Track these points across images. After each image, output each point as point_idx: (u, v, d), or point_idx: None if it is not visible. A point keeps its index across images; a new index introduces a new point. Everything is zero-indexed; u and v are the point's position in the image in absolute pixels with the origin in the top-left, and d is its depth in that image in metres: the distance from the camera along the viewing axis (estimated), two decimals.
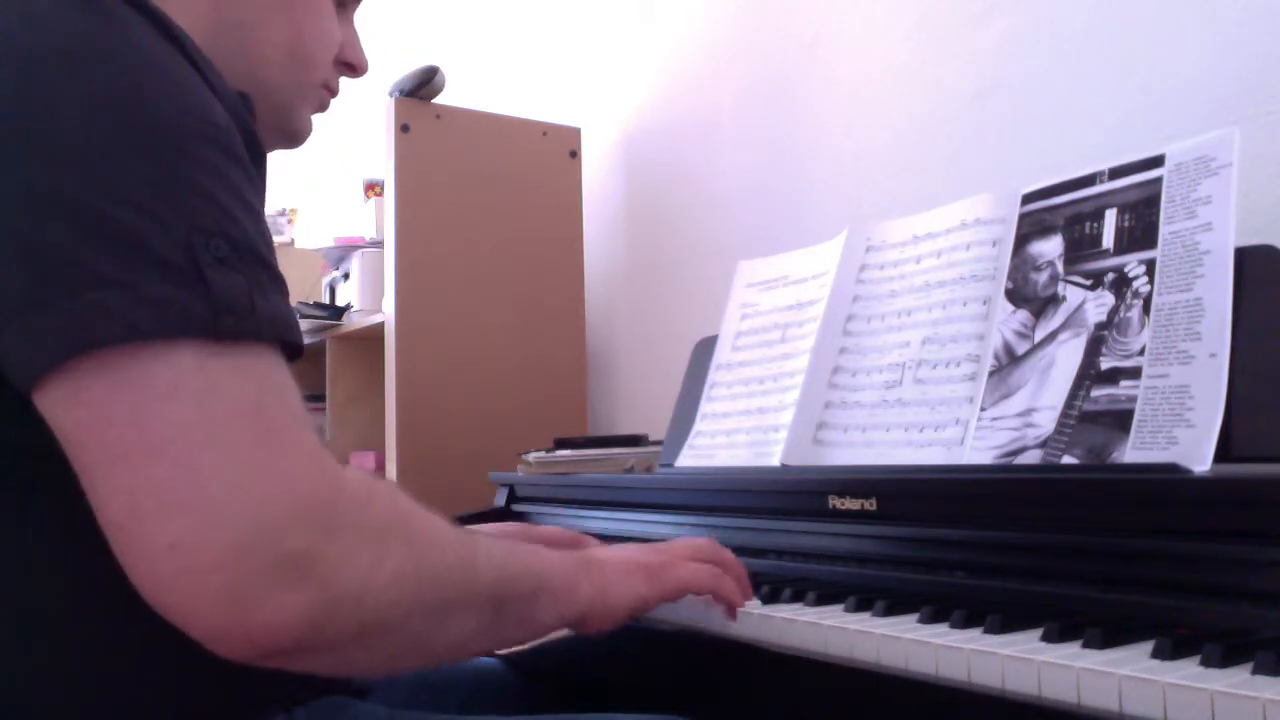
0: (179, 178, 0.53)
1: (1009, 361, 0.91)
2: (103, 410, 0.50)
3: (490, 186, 1.99)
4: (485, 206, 1.98)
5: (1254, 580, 0.59)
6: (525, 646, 1.01)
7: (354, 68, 0.83)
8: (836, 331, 1.10)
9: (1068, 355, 0.86)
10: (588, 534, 1.03)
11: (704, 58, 1.95)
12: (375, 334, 2.00)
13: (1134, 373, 0.80)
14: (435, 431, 1.87)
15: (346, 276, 2.23)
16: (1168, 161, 0.85)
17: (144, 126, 0.53)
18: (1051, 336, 0.88)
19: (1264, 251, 0.79)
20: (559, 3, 2.41)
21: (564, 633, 0.97)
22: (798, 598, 0.79)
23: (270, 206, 0.69)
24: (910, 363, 1.00)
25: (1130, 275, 0.84)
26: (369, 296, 2.08)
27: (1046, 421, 0.85)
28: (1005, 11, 1.41)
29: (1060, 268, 0.91)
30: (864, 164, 1.62)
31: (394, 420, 1.85)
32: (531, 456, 1.45)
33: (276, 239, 0.65)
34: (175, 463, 0.49)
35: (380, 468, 2.00)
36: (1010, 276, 0.95)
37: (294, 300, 1.82)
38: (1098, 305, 0.86)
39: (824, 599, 0.78)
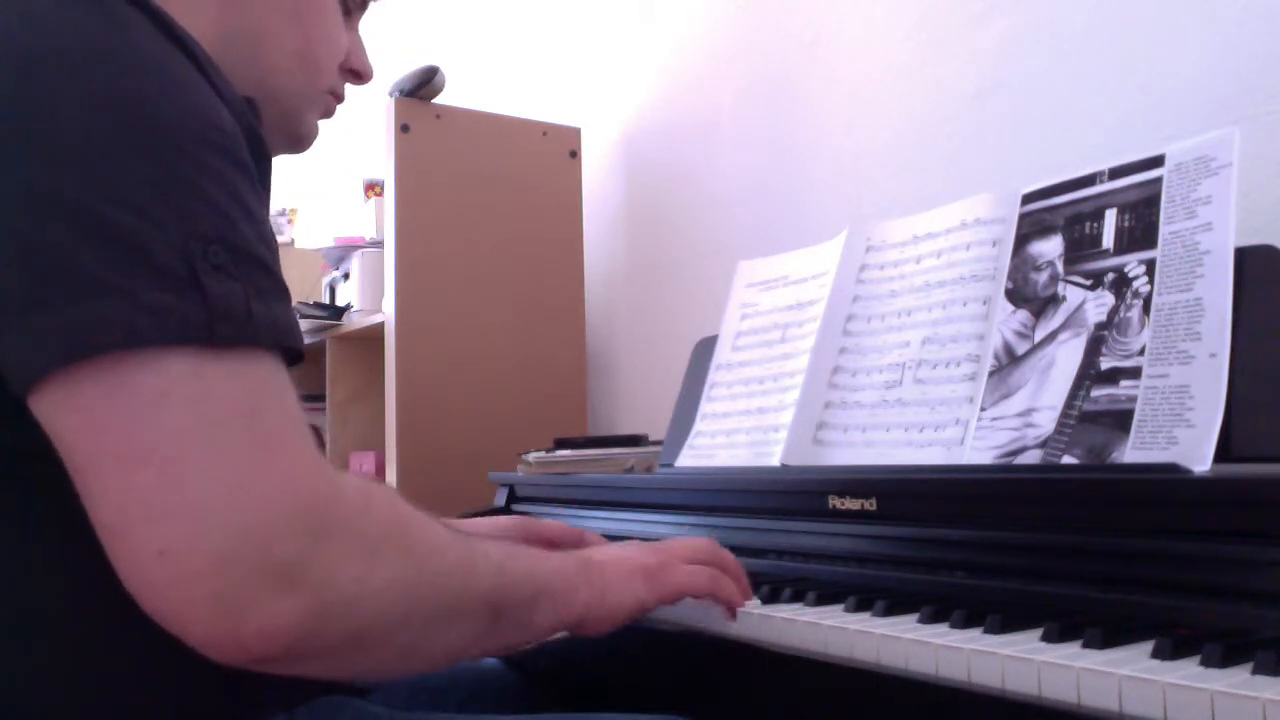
0: (179, 181, 0.53)
1: (1009, 361, 0.91)
2: (96, 415, 0.50)
3: (490, 186, 1.99)
4: (485, 206, 1.98)
5: (1254, 580, 0.59)
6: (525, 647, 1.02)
7: (360, 75, 0.84)
8: (836, 331, 1.10)
9: (1068, 355, 0.86)
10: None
11: (704, 58, 1.95)
12: (375, 334, 2.00)
13: (1134, 373, 0.80)
14: (435, 431, 1.87)
15: (346, 276, 2.23)
16: (1168, 161, 0.85)
17: (144, 128, 0.53)
18: (1051, 336, 0.88)
19: (1264, 251, 0.79)
20: (559, 3, 2.41)
21: (563, 633, 0.98)
22: (798, 598, 0.79)
23: (271, 207, 0.70)
24: (910, 363, 1.00)
25: (1130, 275, 0.84)
26: (369, 296, 2.08)
27: (1046, 421, 0.85)
28: (1005, 11, 1.41)
29: (1060, 268, 0.91)
30: (864, 164, 1.62)
31: (394, 420, 1.85)
32: (531, 456, 1.45)
33: (277, 239, 0.65)
34: (165, 469, 0.49)
35: (380, 468, 2.00)
36: (1010, 276, 0.95)
37: (294, 300, 1.82)
38: (1098, 305, 0.86)
39: (824, 599, 0.78)
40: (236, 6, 0.72)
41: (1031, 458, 0.84)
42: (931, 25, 1.51)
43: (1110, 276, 0.86)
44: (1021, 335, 0.91)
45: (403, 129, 1.89)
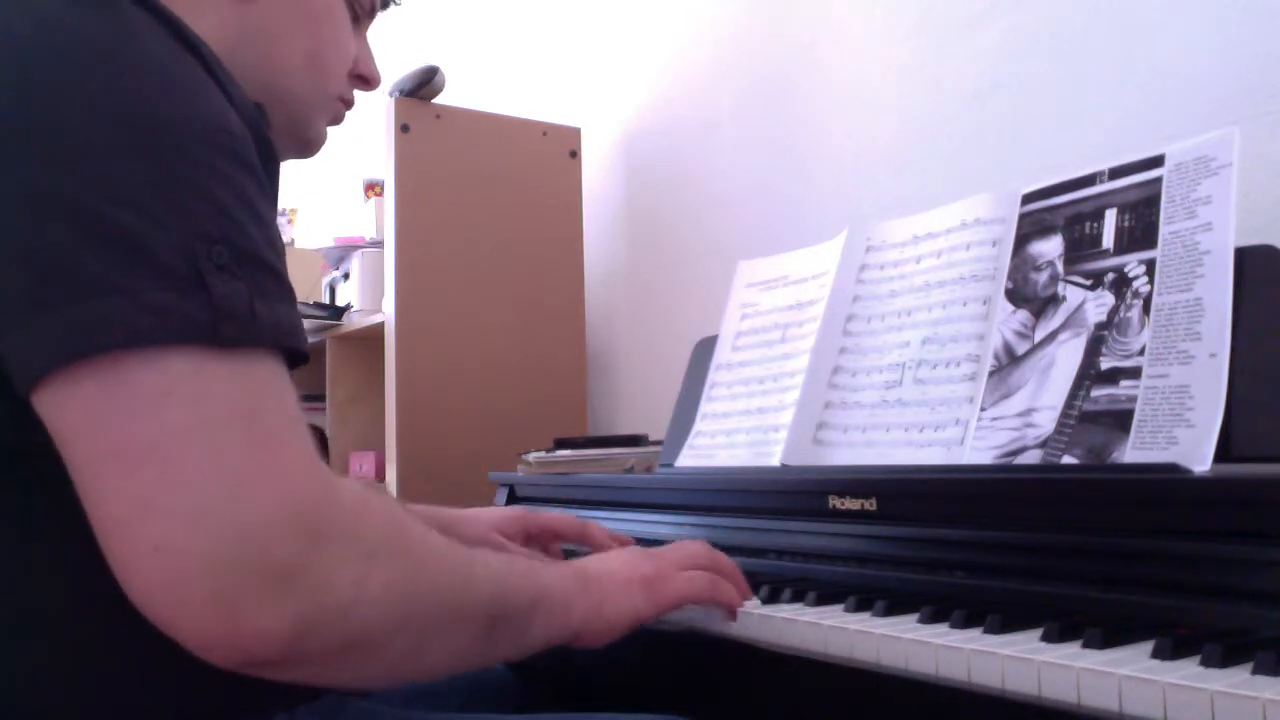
0: (182, 182, 0.53)
1: (1009, 361, 0.91)
2: (96, 413, 0.50)
3: (490, 186, 1.99)
4: (485, 206, 1.98)
5: (1254, 580, 0.59)
6: None
7: (368, 81, 0.85)
8: (836, 331, 1.10)
9: (1068, 355, 0.86)
10: None
11: (704, 58, 1.95)
12: (375, 334, 2.00)
13: (1134, 373, 0.80)
14: (435, 431, 1.87)
15: (346, 276, 2.23)
16: (1168, 161, 0.85)
17: (148, 130, 0.53)
18: (1051, 336, 0.88)
19: (1264, 251, 0.79)
20: (559, 3, 2.41)
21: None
22: (798, 598, 0.79)
23: (278, 210, 0.70)
24: (910, 363, 1.00)
25: (1130, 275, 0.84)
26: (369, 296, 2.08)
27: (1046, 421, 0.85)
28: (1005, 11, 1.41)
29: (1060, 268, 0.91)
30: (864, 164, 1.62)
31: (394, 420, 1.85)
32: (531, 456, 1.45)
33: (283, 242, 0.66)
34: (164, 467, 0.49)
35: (380, 468, 2.00)
36: (1010, 276, 0.95)
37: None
38: (1098, 305, 0.86)
39: (824, 599, 0.78)
40: (245, 10, 0.72)
41: (1031, 458, 0.84)
42: (931, 25, 1.51)
43: (1110, 276, 0.86)
44: (1021, 335, 0.91)
45: (403, 129, 1.89)
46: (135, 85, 0.54)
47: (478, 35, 2.73)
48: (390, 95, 1.91)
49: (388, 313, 1.89)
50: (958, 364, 0.96)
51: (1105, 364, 0.83)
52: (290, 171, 0.74)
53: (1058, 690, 0.56)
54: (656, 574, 0.75)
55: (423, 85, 1.89)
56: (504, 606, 0.63)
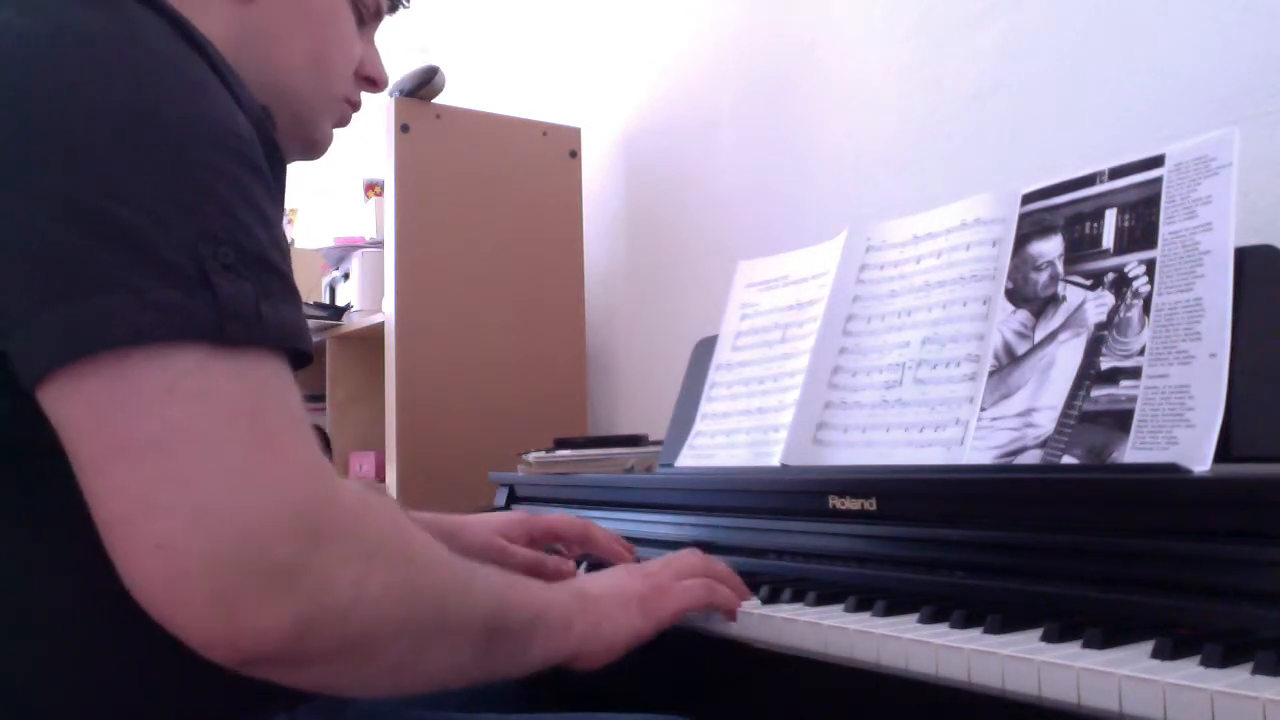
0: (190, 183, 0.53)
1: (1009, 361, 0.91)
2: (100, 409, 0.50)
3: (490, 186, 1.99)
4: (485, 206, 1.98)
5: (1254, 580, 0.59)
6: None
7: (374, 82, 0.85)
8: (836, 331, 1.10)
9: (1068, 355, 0.86)
10: None
11: (704, 58, 1.95)
12: (375, 334, 2.00)
13: (1134, 373, 0.80)
14: (435, 431, 1.87)
15: (346, 276, 2.23)
16: (1168, 161, 0.85)
17: (156, 130, 0.53)
18: (1051, 336, 0.88)
19: (1264, 251, 0.79)
20: (559, 3, 2.41)
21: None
22: (798, 598, 0.79)
23: (284, 212, 0.70)
24: (910, 363, 1.00)
25: (1130, 275, 0.84)
26: (369, 296, 2.08)
27: (1046, 421, 0.85)
28: (1005, 11, 1.41)
29: (1060, 268, 0.91)
30: (864, 164, 1.62)
31: (394, 420, 1.85)
32: (531, 456, 1.45)
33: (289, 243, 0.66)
34: (166, 464, 0.50)
35: (380, 468, 2.00)
36: (1010, 276, 0.95)
37: None
38: (1098, 305, 0.86)
39: (824, 599, 0.78)
40: (246, 10, 0.72)
41: (1031, 458, 0.84)
42: (931, 25, 1.51)
43: (1110, 276, 0.86)
44: (1021, 335, 0.91)
45: (403, 129, 1.89)
46: (142, 86, 0.54)
47: (478, 35, 2.73)
48: (390, 95, 1.91)
49: (388, 313, 1.89)
50: (958, 364, 0.96)
51: (1105, 364, 0.83)
52: (290, 171, 0.74)
53: (1058, 690, 0.56)
54: (653, 590, 0.75)
55: (423, 85, 1.89)
56: (503, 621, 0.63)
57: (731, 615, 0.79)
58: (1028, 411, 0.87)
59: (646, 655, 0.80)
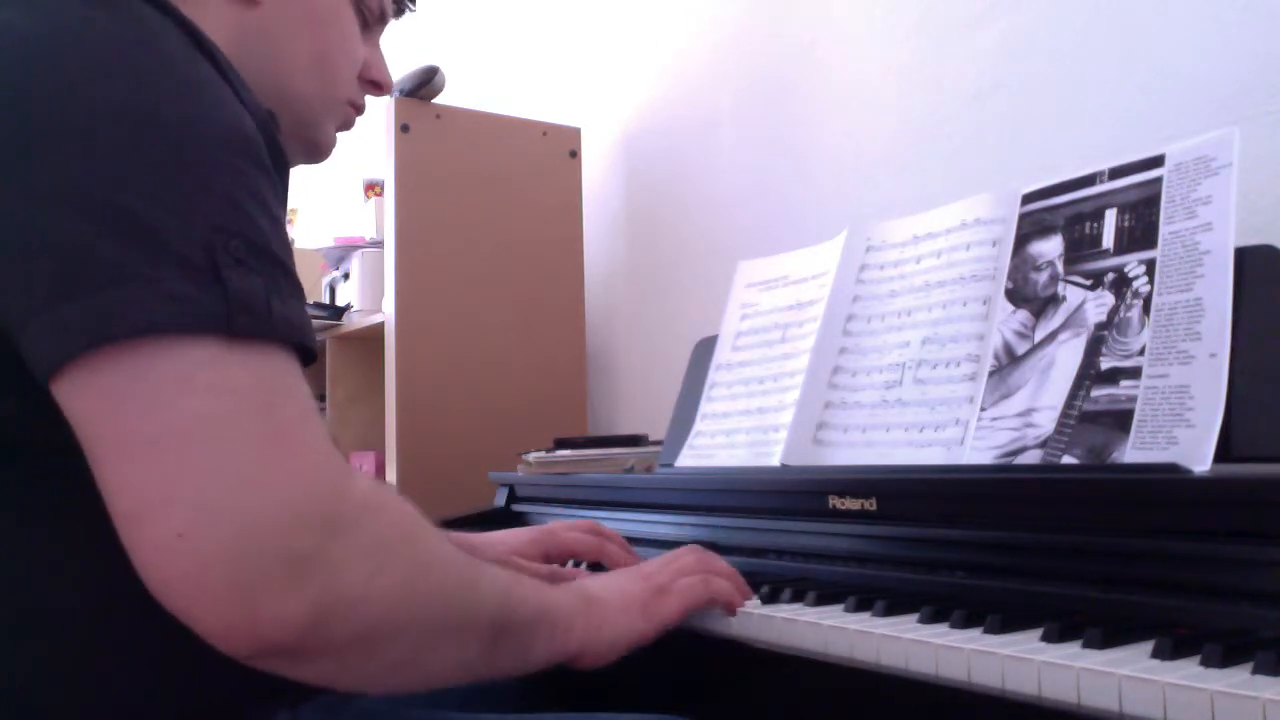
0: (202, 179, 0.54)
1: (1009, 361, 0.91)
2: (115, 401, 0.51)
3: (490, 186, 1.99)
4: (485, 206, 1.98)
5: (1254, 580, 0.59)
6: None
7: (379, 86, 0.85)
8: (836, 331, 1.10)
9: (1068, 355, 0.86)
10: None
11: (704, 58, 1.95)
12: (375, 334, 2.00)
13: (1134, 373, 0.80)
14: (435, 431, 1.87)
15: (346, 276, 2.23)
16: (1168, 161, 0.85)
17: (167, 128, 0.54)
18: (1051, 336, 0.88)
19: (1264, 251, 0.79)
20: (559, 3, 2.41)
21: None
22: (798, 598, 0.79)
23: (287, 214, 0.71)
24: (910, 363, 1.00)
25: (1130, 275, 0.84)
26: (369, 296, 2.08)
27: (1046, 421, 0.85)
28: (1005, 11, 1.41)
29: (1060, 268, 0.91)
30: (864, 164, 1.62)
31: (394, 420, 1.85)
32: (531, 456, 1.45)
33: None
34: (183, 455, 0.50)
35: (380, 468, 2.00)
36: (1010, 276, 0.95)
37: None
38: (1098, 305, 0.86)
39: (824, 599, 0.78)
40: (248, 13, 0.73)
41: (1031, 458, 0.84)
42: (931, 25, 1.51)
43: (1110, 276, 0.86)
44: (1021, 335, 0.91)
45: (403, 129, 1.89)
46: (155, 86, 0.54)
47: (478, 35, 2.73)
48: (390, 95, 1.91)
49: (388, 313, 1.89)
50: (958, 364, 0.96)
51: (1105, 364, 0.83)
52: (291, 171, 0.74)
53: (1058, 690, 0.56)
54: (654, 592, 0.76)
55: (423, 85, 1.89)
56: (508, 619, 0.63)
57: (730, 609, 0.79)
58: (1028, 411, 0.87)
59: (646, 655, 0.80)
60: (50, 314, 0.50)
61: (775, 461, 1.06)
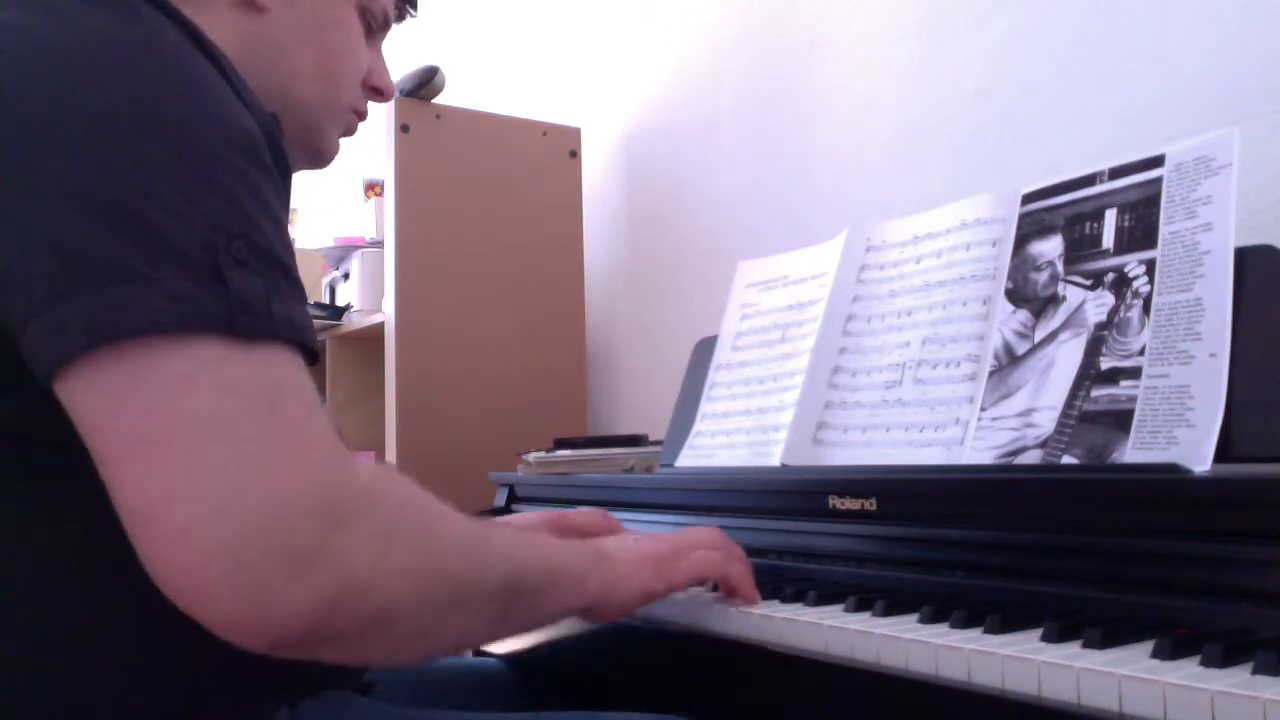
0: (205, 180, 0.54)
1: (1009, 361, 0.91)
2: (118, 399, 0.51)
3: (490, 186, 1.99)
4: (485, 206, 1.98)
5: (1254, 580, 0.59)
6: (526, 645, 1.02)
7: (381, 92, 0.86)
8: (836, 331, 1.10)
9: (1068, 355, 0.86)
10: None
11: (704, 58, 1.95)
12: (375, 334, 2.00)
13: (1134, 373, 0.80)
14: (435, 431, 1.87)
15: (346, 276, 2.23)
16: (1168, 161, 0.85)
17: (170, 128, 0.54)
18: (1051, 336, 0.88)
19: (1264, 251, 0.79)
20: (559, 3, 2.41)
21: (565, 632, 0.97)
22: (798, 598, 0.79)
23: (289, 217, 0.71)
24: (910, 363, 1.00)
25: (1130, 275, 0.84)
26: (369, 296, 2.08)
27: (1046, 421, 0.85)
28: (1005, 11, 1.41)
29: (1060, 268, 0.91)
30: (864, 164, 1.62)
31: (394, 420, 1.85)
32: (531, 456, 1.45)
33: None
34: (187, 451, 0.50)
35: None
36: (1010, 276, 0.95)
37: None
38: (1098, 305, 0.86)
39: (824, 599, 0.78)
40: (255, 20, 0.73)
41: (1031, 458, 0.84)
42: (931, 25, 1.51)
43: (1110, 276, 0.86)
44: (1021, 335, 0.91)
45: (403, 129, 1.89)
46: (156, 86, 0.55)
47: (478, 35, 2.73)
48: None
49: (388, 313, 1.89)
50: (958, 364, 0.96)
51: (1105, 364, 0.83)
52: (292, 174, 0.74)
53: (1058, 690, 0.56)
54: (669, 553, 0.77)
55: (423, 85, 1.89)
56: (520, 584, 0.64)
57: (737, 594, 0.80)
58: (1028, 411, 0.87)
59: (647, 655, 0.80)
60: (50, 313, 0.51)
61: (775, 461, 1.06)
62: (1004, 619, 0.65)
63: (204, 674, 0.60)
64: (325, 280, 2.39)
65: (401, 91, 1.90)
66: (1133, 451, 0.77)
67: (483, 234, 1.97)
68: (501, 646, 1.06)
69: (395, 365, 1.85)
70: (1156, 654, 0.56)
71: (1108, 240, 0.88)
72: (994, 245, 0.98)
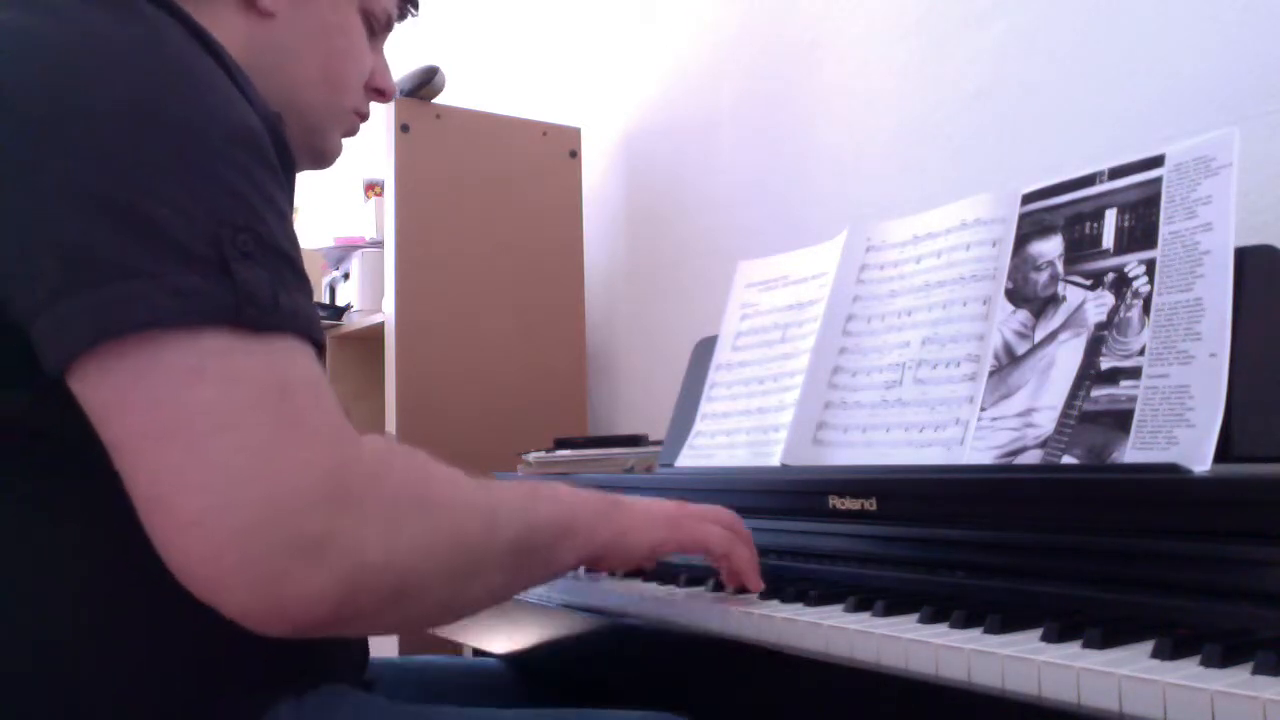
0: (208, 175, 0.55)
1: (1009, 361, 0.91)
2: (127, 393, 0.51)
3: (490, 186, 1.99)
4: (485, 206, 1.98)
5: (1254, 580, 0.59)
6: (526, 645, 1.02)
7: (383, 93, 0.86)
8: (836, 331, 1.10)
9: (1068, 355, 0.86)
10: None
11: (704, 58, 1.95)
12: (375, 334, 2.00)
13: (1134, 373, 0.80)
14: (435, 431, 1.87)
15: (346, 276, 2.23)
16: (1168, 161, 0.85)
17: (174, 125, 0.54)
18: (1051, 336, 0.88)
19: (1264, 251, 0.79)
20: (559, 3, 2.41)
21: (565, 632, 0.97)
22: (798, 598, 0.79)
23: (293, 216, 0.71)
24: (910, 363, 1.00)
25: (1130, 275, 0.84)
26: (369, 296, 2.08)
27: (1046, 421, 0.85)
28: (1005, 11, 1.41)
29: (1060, 268, 0.91)
30: (864, 164, 1.62)
31: (394, 420, 1.85)
32: (531, 456, 1.45)
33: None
34: (197, 443, 0.51)
35: None
36: (1010, 276, 0.95)
37: None
38: (1098, 305, 0.86)
39: (824, 599, 0.78)
40: (262, 21, 0.74)
41: (1031, 458, 0.84)
42: (931, 25, 1.51)
43: (1110, 276, 0.86)
44: (1021, 335, 0.91)
45: (403, 129, 1.89)
46: (159, 83, 0.55)
47: (478, 35, 2.73)
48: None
49: (388, 313, 1.89)
50: (958, 364, 0.96)
51: (1105, 364, 0.83)
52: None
53: (1058, 690, 0.56)
54: (682, 515, 0.79)
55: (423, 85, 1.89)
56: (530, 540, 0.66)
57: (740, 579, 0.81)
58: (1028, 411, 0.87)
59: (647, 655, 0.80)
60: (55, 310, 0.51)
61: (775, 461, 1.06)
62: (1004, 619, 0.65)
63: (207, 667, 0.61)
64: (325, 280, 2.39)
65: (401, 91, 1.90)
66: (1133, 451, 0.77)
67: (483, 234, 1.97)
68: (501, 646, 1.06)
69: (395, 365, 1.85)
70: (1156, 654, 0.56)
71: (1108, 240, 0.88)
72: (994, 245, 0.98)
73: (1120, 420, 0.79)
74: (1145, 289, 0.82)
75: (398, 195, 1.88)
